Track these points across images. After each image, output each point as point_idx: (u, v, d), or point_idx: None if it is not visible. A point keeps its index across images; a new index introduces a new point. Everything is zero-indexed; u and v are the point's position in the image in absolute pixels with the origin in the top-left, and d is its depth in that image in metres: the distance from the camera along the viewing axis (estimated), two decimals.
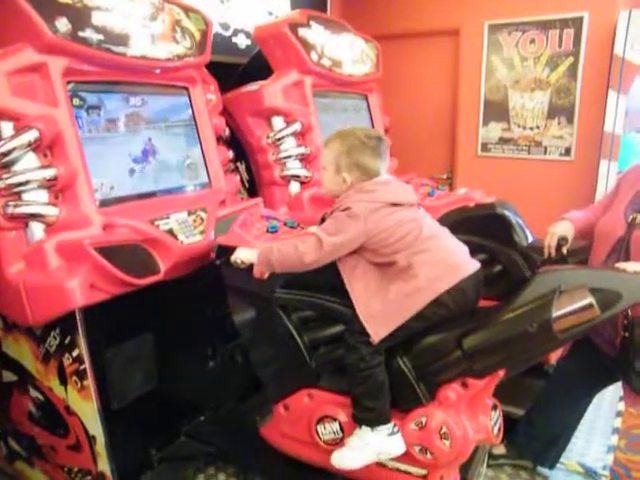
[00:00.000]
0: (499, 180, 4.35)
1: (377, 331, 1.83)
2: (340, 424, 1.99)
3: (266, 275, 1.95)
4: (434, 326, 1.85)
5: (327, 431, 2.02)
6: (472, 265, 1.92)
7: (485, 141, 4.55)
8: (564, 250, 2.34)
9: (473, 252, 2.96)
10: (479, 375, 1.82)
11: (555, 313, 1.67)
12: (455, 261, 1.90)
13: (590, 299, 1.66)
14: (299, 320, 2.08)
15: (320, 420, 2.03)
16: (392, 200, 1.89)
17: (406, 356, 1.89)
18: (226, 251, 2.05)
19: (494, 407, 2.00)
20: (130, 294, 1.97)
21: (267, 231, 2.16)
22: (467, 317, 1.86)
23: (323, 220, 1.98)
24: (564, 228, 2.33)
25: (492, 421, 1.96)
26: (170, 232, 2.18)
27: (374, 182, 1.93)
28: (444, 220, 3.09)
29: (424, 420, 1.85)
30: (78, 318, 1.93)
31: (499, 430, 2.01)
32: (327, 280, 1.97)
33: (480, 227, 2.95)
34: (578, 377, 2.32)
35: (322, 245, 1.85)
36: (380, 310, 1.84)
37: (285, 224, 2.24)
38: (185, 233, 2.23)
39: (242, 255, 1.98)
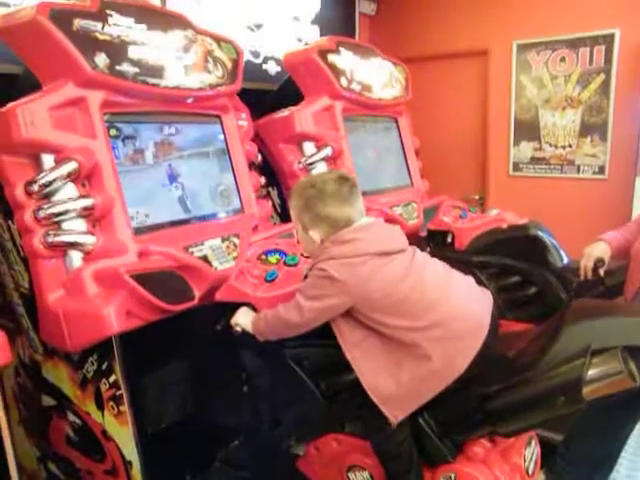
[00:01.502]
0: (532, 200, 4.31)
1: (395, 414, 1.66)
2: (370, 473, 1.95)
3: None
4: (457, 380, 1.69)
5: (358, 479, 1.98)
6: (485, 307, 1.72)
7: (517, 161, 4.52)
8: (601, 272, 2.31)
9: (506, 274, 3.02)
10: (505, 436, 1.74)
11: (586, 383, 1.52)
12: (471, 324, 1.65)
13: (622, 367, 1.50)
14: (313, 368, 1.96)
15: (350, 468, 1.99)
16: (378, 249, 1.64)
17: (427, 413, 1.76)
18: (226, 308, 2.00)
19: (529, 442, 1.92)
20: (165, 320, 1.99)
21: (265, 280, 2.05)
22: (491, 371, 1.70)
23: (306, 276, 1.78)
24: (600, 249, 2.29)
25: (527, 460, 1.87)
26: (204, 258, 2.19)
27: (350, 230, 1.68)
28: (477, 242, 3.11)
29: (453, 476, 1.77)
30: (115, 345, 1.95)
31: (535, 465, 1.93)
32: None
33: (513, 249, 2.96)
34: (618, 398, 2.26)
35: (302, 311, 1.67)
36: (394, 393, 1.64)
37: (285, 262, 2.11)
38: (219, 259, 2.23)
39: (241, 321, 1.90)
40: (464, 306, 1.68)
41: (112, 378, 2.01)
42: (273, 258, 2.16)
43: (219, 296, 2.05)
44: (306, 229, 1.76)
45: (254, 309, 1.96)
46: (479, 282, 2.37)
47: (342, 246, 1.66)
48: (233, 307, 1.99)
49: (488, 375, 1.70)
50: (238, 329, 1.92)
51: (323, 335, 1.80)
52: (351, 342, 1.71)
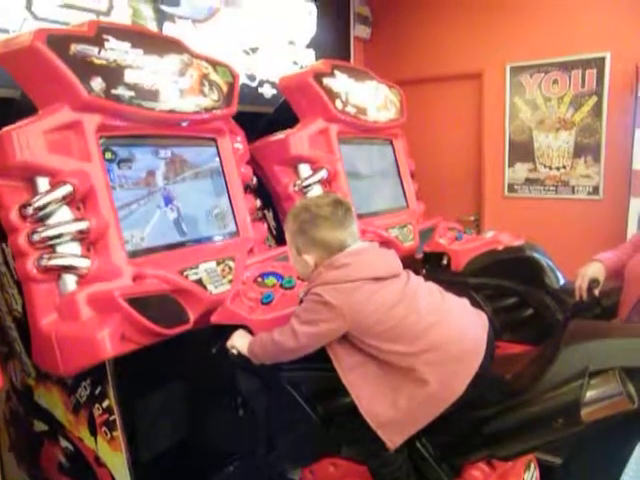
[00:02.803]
0: (527, 221, 4.32)
1: (393, 440, 1.63)
2: None
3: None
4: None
5: None
6: (481, 329, 1.71)
7: (512, 182, 4.55)
8: (596, 292, 2.31)
9: (503, 296, 3.02)
10: (504, 459, 1.72)
11: (584, 405, 1.52)
12: (467, 347, 1.63)
13: (621, 389, 1.49)
14: (310, 392, 1.94)
15: None
16: (371, 274, 1.63)
17: (425, 436, 1.73)
18: (221, 331, 1.99)
19: (528, 465, 1.90)
20: (159, 344, 1.97)
21: (261, 302, 2.03)
22: (487, 393, 1.68)
23: (302, 301, 1.76)
24: (595, 270, 2.29)
25: None
26: (199, 282, 2.18)
27: (343, 255, 1.67)
28: (473, 264, 3.12)
29: None
30: (108, 369, 1.94)
31: None
32: None
33: (510, 270, 2.97)
34: (617, 420, 2.24)
35: (297, 335, 1.66)
36: (392, 418, 1.62)
37: (282, 285, 2.10)
38: (214, 283, 2.23)
39: (237, 344, 1.88)
40: (459, 329, 1.67)
41: (105, 403, 1.99)
42: (269, 281, 2.14)
43: (215, 318, 2.03)
44: (300, 252, 1.75)
45: (250, 332, 1.94)
46: (475, 304, 2.36)
47: (335, 271, 1.65)
48: (229, 330, 1.97)
49: (485, 398, 1.68)
50: (234, 352, 1.90)
51: (320, 359, 1.77)
52: (347, 367, 1.69)
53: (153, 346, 1.96)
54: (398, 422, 1.62)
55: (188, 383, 2.25)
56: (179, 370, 2.22)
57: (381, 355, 1.64)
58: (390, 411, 1.62)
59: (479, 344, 1.67)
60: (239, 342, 1.90)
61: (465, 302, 1.81)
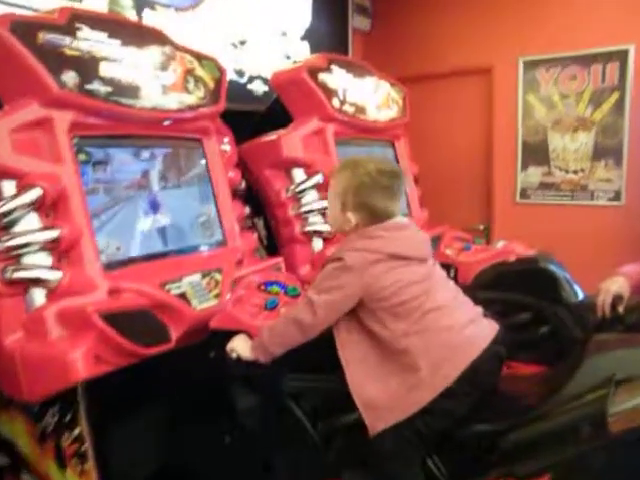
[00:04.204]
0: (541, 230, 4.30)
1: (375, 424, 1.73)
2: None
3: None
4: (464, 418, 1.73)
5: None
6: (486, 333, 1.82)
7: (524, 187, 4.55)
8: (620, 309, 2.29)
9: (515, 311, 3.00)
10: (523, 478, 1.70)
11: (611, 414, 1.53)
12: (462, 339, 1.76)
13: None
14: (311, 406, 1.96)
15: None
16: (397, 252, 1.78)
17: (436, 456, 1.77)
18: (220, 337, 1.99)
19: None
20: (138, 365, 1.95)
21: (265, 307, 2.09)
22: (500, 406, 1.73)
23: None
24: (619, 285, 2.27)
25: None
26: (182, 296, 2.17)
27: (382, 227, 1.82)
28: (482, 277, 3.11)
29: None
30: (80, 393, 1.90)
31: None
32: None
33: (522, 283, 2.96)
34: None
35: (314, 307, 1.77)
36: (379, 402, 1.73)
37: (286, 293, 2.18)
38: (199, 297, 2.22)
39: (239, 347, 1.91)
40: (460, 321, 1.79)
41: (76, 431, 1.95)
42: (273, 289, 2.21)
43: (214, 323, 2.06)
44: (345, 209, 1.84)
45: (251, 339, 1.94)
46: None
47: (366, 241, 1.79)
48: (226, 336, 1.97)
49: (492, 411, 1.72)
50: (233, 355, 1.90)
51: (325, 368, 1.86)
52: (346, 342, 1.82)
53: (130, 367, 1.93)
54: (385, 407, 1.73)
55: (169, 407, 2.22)
56: (159, 393, 2.19)
57: (383, 332, 1.76)
58: (380, 394, 1.74)
59: (477, 341, 1.78)
60: (240, 345, 1.92)
61: (478, 308, 1.93)
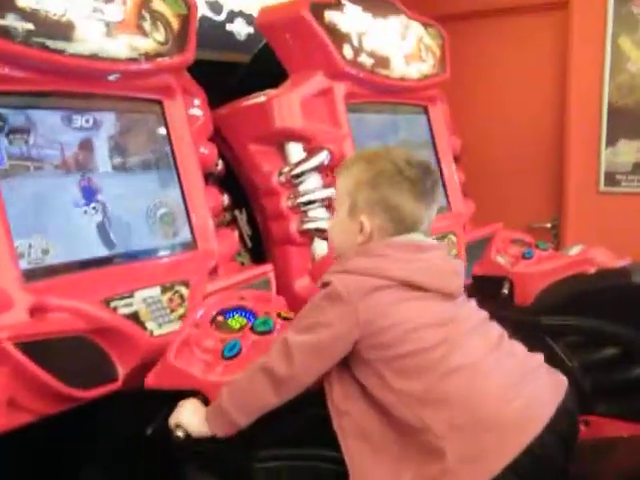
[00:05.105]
0: (635, 230, 4.26)
1: None
2: None
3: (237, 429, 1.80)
4: None
5: None
6: (548, 399, 1.73)
7: (611, 169, 4.49)
8: None
9: (597, 345, 2.98)
10: None
11: None
12: (509, 414, 1.65)
13: None
14: None
15: None
16: (410, 278, 1.73)
17: None
18: (160, 400, 1.96)
19: None
20: (69, 413, 1.95)
21: (223, 356, 2.00)
22: None
23: None
24: None
25: None
26: (134, 317, 2.16)
27: (393, 243, 1.79)
28: (549, 296, 3.13)
29: None
30: None
31: None
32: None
33: (608, 306, 2.95)
34: None
35: (290, 351, 1.71)
36: None
37: (253, 329, 2.09)
38: (156, 319, 2.21)
39: (186, 420, 1.84)
40: (504, 385, 1.71)
41: None
42: (235, 321, 2.13)
43: (151, 381, 1.99)
44: (355, 212, 1.81)
45: (205, 401, 1.89)
46: (553, 357, 2.29)
47: (367, 259, 1.76)
48: (173, 398, 1.92)
49: None
50: (180, 433, 1.84)
51: (309, 442, 1.82)
52: (341, 403, 1.76)
53: (59, 416, 1.93)
54: None
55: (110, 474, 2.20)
56: (98, 455, 2.21)
57: (386, 397, 1.69)
58: None
59: (535, 414, 1.68)
60: (188, 417, 1.85)
61: (537, 357, 1.86)
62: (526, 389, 1.71)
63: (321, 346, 1.71)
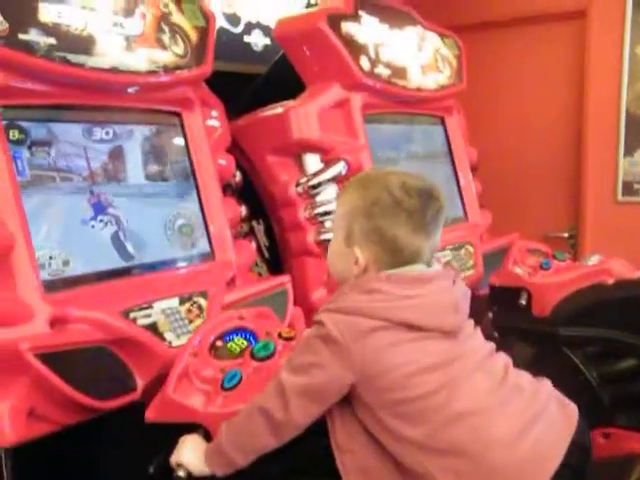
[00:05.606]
0: None
1: None
2: None
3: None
4: None
5: None
6: (557, 437, 1.65)
7: (629, 178, 4.47)
8: None
9: (616, 357, 2.96)
10: None
11: None
12: (516, 460, 1.57)
13: None
14: None
15: None
16: (407, 318, 1.62)
17: None
18: (162, 436, 1.92)
19: None
20: (89, 424, 1.97)
21: (222, 387, 1.91)
22: None
23: None
24: None
25: None
26: (153, 328, 2.17)
27: (391, 277, 1.67)
28: (567, 307, 3.09)
29: None
30: (5, 464, 1.88)
31: None
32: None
33: (627, 317, 2.93)
34: None
35: (285, 396, 1.62)
36: None
37: (252, 355, 1.99)
38: (175, 330, 2.22)
39: (187, 459, 1.78)
40: (512, 430, 1.61)
41: None
42: (235, 345, 2.04)
43: (151, 415, 1.93)
44: (350, 241, 1.73)
45: (207, 435, 1.85)
46: (571, 369, 2.28)
47: (362, 296, 1.66)
48: (175, 433, 1.88)
49: None
50: (181, 473, 1.79)
51: (310, 473, 1.78)
52: (343, 439, 1.68)
53: (79, 426, 1.94)
54: None
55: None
56: (116, 462, 2.18)
57: (390, 446, 1.62)
58: None
59: (547, 455, 1.62)
60: (189, 456, 1.80)
61: (544, 386, 1.78)
62: (535, 431, 1.63)
63: (315, 389, 1.64)
